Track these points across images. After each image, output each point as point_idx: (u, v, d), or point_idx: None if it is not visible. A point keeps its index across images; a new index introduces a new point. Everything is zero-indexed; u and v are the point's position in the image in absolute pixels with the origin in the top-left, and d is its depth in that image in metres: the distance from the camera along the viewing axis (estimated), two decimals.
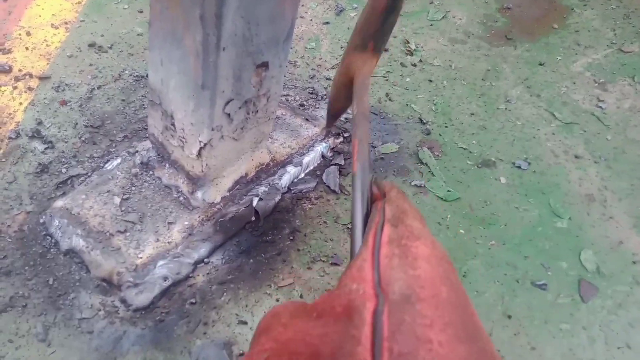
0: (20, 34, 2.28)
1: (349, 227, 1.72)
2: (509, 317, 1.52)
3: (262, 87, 1.56)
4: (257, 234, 1.66)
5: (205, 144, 1.53)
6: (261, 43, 1.44)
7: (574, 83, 2.26)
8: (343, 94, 0.80)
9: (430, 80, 2.21)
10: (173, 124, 1.58)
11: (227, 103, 1.48)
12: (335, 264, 1.59)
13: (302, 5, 2.53)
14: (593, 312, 1.54)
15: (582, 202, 1.82)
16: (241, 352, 1.39)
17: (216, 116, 1.48)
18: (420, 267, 0.43)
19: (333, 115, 0.88)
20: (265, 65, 1.51)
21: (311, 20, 2.49)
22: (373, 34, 0.78)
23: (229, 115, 1.51)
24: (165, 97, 1.54)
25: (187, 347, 1.40)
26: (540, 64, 2.33)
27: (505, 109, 2.13)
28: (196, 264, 1.57)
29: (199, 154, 1.56)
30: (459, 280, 0.46)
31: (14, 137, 1.88)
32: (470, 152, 1.95)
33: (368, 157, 0.63)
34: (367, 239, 0.49)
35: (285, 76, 2.00)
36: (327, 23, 2.47)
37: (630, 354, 1.47)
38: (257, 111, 1.63)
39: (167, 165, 1.71)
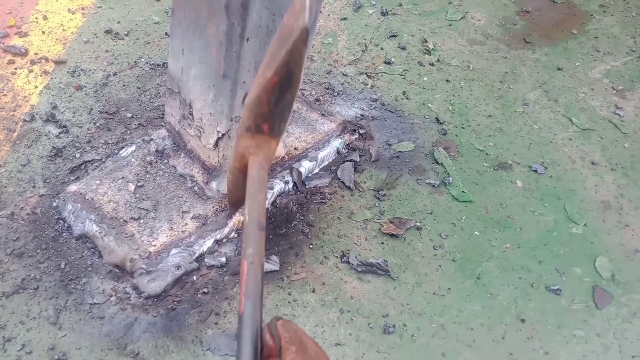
0: (36, 18, 2.27)
1: (363, 224, 1.71)
2: (523, 320, 1.50)
3: None
4: (270, 227, 1.64)
5: (223, 135, 1.52)
6: None
7: (592, 89, 2.25)
8: (241, 181, 0.67)
9: (448, 80, 2.20)
10: (191, 113, 1.56)
11: (247, 94, 1.47)
12: (347, 262, 1.58)
13: (320, 11, 2.51)
14: (607, 320, 1.53)
15: (598, 208, 1.81)
16: None
17: (236, 107, 1.47)
18: None
19: (233, 204, 0.74)
20: None
21: (329, 15, 2.48)
22: (266, 115, 0.65)
23: None
24: (185, 85, 1.53)
25: (199, 336, 1.39)
26: (559, 69, 2.32)
27: (523, 112, 2.11)
28: (208, 254, 1.56)
29: (216, 145, 1.55)
30: None
31: (28, 120, 1.87)
32: (487, 154, 1.93)
33: (261, 290, 0.50)
34: None
35: None
36: (345, 19, 2.45)
37: None
38: None
39: (182, 154, 1.70)
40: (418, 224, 1.69)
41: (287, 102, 0.66)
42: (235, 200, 0.72)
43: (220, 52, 1.36)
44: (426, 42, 2.36)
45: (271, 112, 0.65)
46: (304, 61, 0.63)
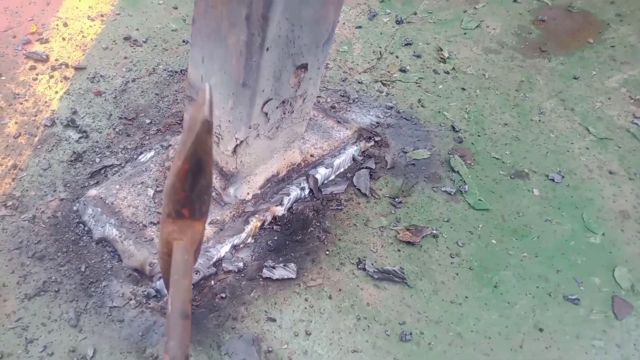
0: (57, 25, 2.32)
1: (379, 231, 1.72)
2: (541, 330, 1.49)
3: (300, 88, 1.56)
4: (287, 232, 1.65)
5: (241, 142, 1.54)
6: (302, 45, 1.44)
7: (609, 98, 2.24)
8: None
9: (463, 89, 2.20)
10: None
11: (266, 102, 1.48)
12: (364, 269, 1.59)
13: (338, 21, 2.53)
14: (627, 330, 1.52)
15: (616, 218, 1.79)
16: (270, 348, 1.39)
17: (254, 115, 1.49)
18: None
19: (169, 285, 0.71)
20: (304, 67, 1.51)
21: (344, 23, 2.50)
22: (184, 200, 0.67)
23: (266, 114, 1.52)
24: None
25: (217, 340, 1.39)
26: (575, 78, 2.31)
27: (539, 120, 2.11)
28: (225, 259, 1.57)
29: (234, 151, 1.57)
30: None
31: (49, 125, 1.90)
32: (503, 162, 1.93)
33: None
34: None
35: None
36: (360, 27, 2.47)
37: None
38: (293, 111, 1.63)
39: None
40: (434, 231, 1.69)
41: (203, 187, 0.69)
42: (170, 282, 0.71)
43: (240, 62, 1.38)
44: (441, 50, 2.37)
45: (188, 197, 0.68)
46: (210, 149, 0.66)
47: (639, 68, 2.40)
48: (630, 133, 2.10)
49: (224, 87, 1.46)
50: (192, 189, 0.68)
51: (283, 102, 1.54)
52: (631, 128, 2.12)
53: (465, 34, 2.49)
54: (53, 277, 1.49)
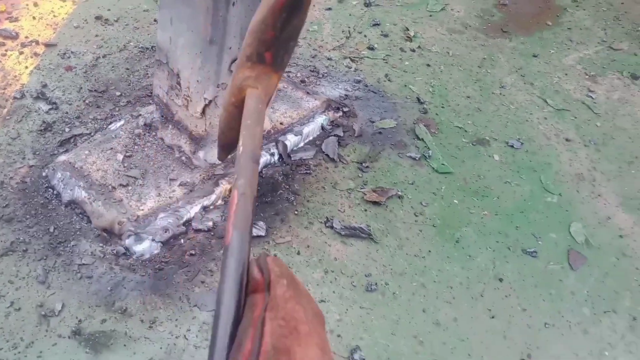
0: (27, 4, 2.32)
1: (347, 193, 1.78)
2: (500, 280, 1.56)
3: None
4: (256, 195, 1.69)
5: (210, 102, 1.57)
6: None
7: (566, 74, 2.34)
8: (236, 120, 0.60)
9: (429, 65, 2.28)
10: (179, 83, 1.61)
11: (234, 61, 1.52)
12: (331, 227, 1.63)
13: None
14: (581, 280, 1.59)
15: (572, 180, 1.88)
16: None
17: (222, 73, 1.52)
18: None
19: (224, 146, 0.66)
20: None
21: (314, 5, 2.56)
22: (270, 41, 0.59)
23: None
24: (173, 55, 1.58)
25: (186, 294, 1.42)
26: (534, 56, 2.41)
27: (500, 94, 2.19)
28: (194, 219, 1.60)
29: (203, 112, 1.60)
30: None
31: (18, 97, 1.91)
32: (466, 131, 2.01)
33: (250, 223, 0.46)
34: None
35: None
36: (329, 9, 2.53)
37: (616, 318, 1.51)
38: None
39: (170, 126, 1.74)
40: (400, 193, 1.75)
41: (295, 29, 0.62)
42: (227, 142, 0.65)
43: (207, 18, 1.42)
44: (408, 30, 2.45)
45: (276, 39, 0.60)
46: None
47: (593, 48, 2.51)
48: (586, 105, 2.20)
49: (192, 47, 1.50)
50: (283, 29, 0.59)
51: None
52: (586, 100, 2.22)
53: (430, 16, 2.58)
54: (21, 238, 1.50)
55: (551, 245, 1.67)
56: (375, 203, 1.70)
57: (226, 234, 0.44)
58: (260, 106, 0.58)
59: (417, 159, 1.87)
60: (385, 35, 2.40)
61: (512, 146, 1.96)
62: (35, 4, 2.33)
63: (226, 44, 1.45)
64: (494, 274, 1.57)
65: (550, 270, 1.60)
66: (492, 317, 1.48)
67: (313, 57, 2.25)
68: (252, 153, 0.52)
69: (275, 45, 0.60)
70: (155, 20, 2.34)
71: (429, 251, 1.60)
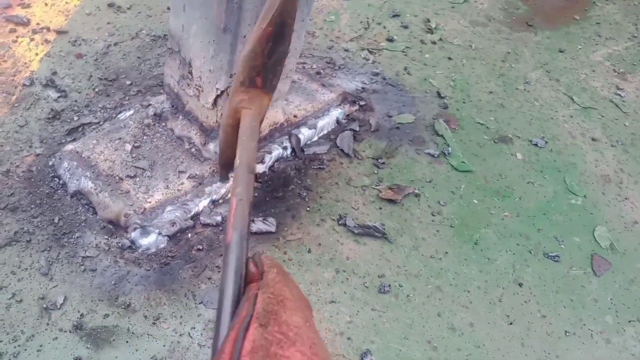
0: None
1: (361, 190, 1.71)
2: (520, 285, 1.48)
3: None
4: (267, 190, 1.63)
5: (222, 92, 1.51)
6: None
7: (594, 71, 2.24)
8: (234, 139, 0.66)
9: (450, 58, 2.19)
10: (190, 72, 1.56)
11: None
12: (344, 225, 1.57)
13: None
14: (605, 286, 1.51)
15: (597, 182, 1.79)
16: None
17: (235, 62, 1.46)
18: None
19: (225, 165, 0.73)
20: None
21: None
22: (260, 67, 0.67)
23: None
24: (185, 43, 1.52)
25: (192, 290, 1.37)
26: (561, 51, 2.31)
27: (524, 89, 2.10)
28: (203, 213, 1.55)
29: (215, 103, 1.54)
30: None
31: (28, 84, 1.87)
32: (488, 127, 1.92)
33: (247, 225, 0.52)
34: (223, 348, 0.38)
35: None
36: None
37: None
38: None
39: (180, 116, 1.69)
40: (416, 191, 1.68)
41: (280, 55, 0.69)
42: (227, 161, 0.72)
43: (221, 5, 1.36)
44: (429, 22, 2.36)
45: (264, 65, 0.67)
46: (295, 12, 0.67)
47: (622, 44, 2.40)
48: (613, 103, 2.10)
49: (205, 35, 1.44)
50: (270, 56, 0.68)
51: None
52: (614, 99, 2.12)
53: (453, 7, 2.49)
54: (25, 228, 1.46)
55: (574, 249, 1.59)
56: (390, 201, 1.63)
57: (226, 235, 0.50)
58: (254, 124, 0.65)
59: (435, 156, 1.79)
60: (405, 27, 2.32)
61: (535, 145, 1.88)
62: None
63: (240, 33, 1.38)
64: (514, 278, 1.50)
65: (572, 276, 1.52)
66: (510, 324, 1.41)
67: (329, 48, 2.18)
68: (248, 165, 0.58)
69: (265, 70, 0.68)
70: (168, 8, 2.28)
71: (446, 253, 1.53)
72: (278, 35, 0.67)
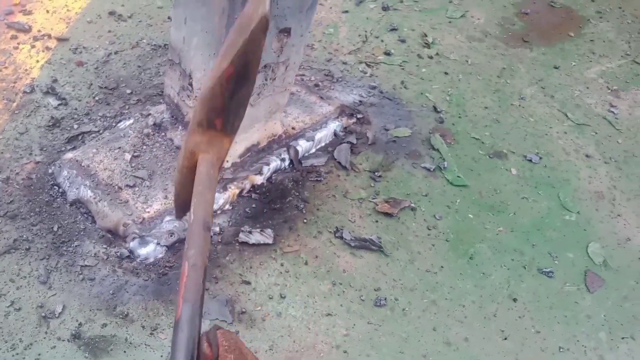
0: None
1: (358, 202, 1.72)
2: (515, 300, 1.50)
3: (282, 54, 1.57)
4: (265, 201, 1.65)
5: None
6: (286, 7, 1.45)
7: (588, 88, 2.28)
8: (190, 182, 0.61)
9: (446, 73, 2.23)
10: (190, 84, 1.57)
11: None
12: (341, 238, 1.58)
13: None
14: (598, 303, 1.53)
15: (591, 198, 1.82)
16: (243, 310, 1.37)
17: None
18: None
19: (180, 207, 0.68)
20: (287, 31, 1.52)
21: (330, 8, 2.51)
22: (220, 109, 0.60)
23: None
24: (186, 55, 1.54)
25: None
26: (555, 67, 2.35)
27: (519, 105, 2.13)
28: None
29: None
30: None
31: (28, 91, 1.88)
32: (483, 142, 1.95)
33: (202, 296, 0.47)
34: None
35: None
36: (346, 12, 2.49)
37: (634, 345, 1.45)
38: (275, 79, 1.63)
39: (180, 127, 1.70)
40: (413, 204, 1.70)
41: (243, 97, 0.63)
42: (183, 203, 0.66)
43: (222, 20, 1.38)
44: (426, 36, 2.39)
45: (225, 107, 0.61)
46: (260, 52, 0.61)
47: (616, 61, 2.45)
48: (607, 120, 2.13)
49: (205, 48, 1.46)
50: (232, 97, 0.61)
51: (265, 66, 1.54)
52: (608, 116, 2.15)
53: (450, 22, 2.52)
54: (24, 236, 1.47)
55: (568, 265, 1.61)
56: (386, 214, 1.65)
57: (177, 308, 0.45)
58: (212, 171, 0.60)
59: (431, 170, 1.81)
60: (403, 41, 2.35)
61: (530, 160, 1.90)
62: None
63: None
64: (508, 294, 1.52)
65: (566, 292, 1.55)
66: (505, 339, 1.43)
67: (328, 61, 2.20)
68: (204, 221, 0.53)
69: (225, 112, 0.61)
70: (169, 18, 2.30)
71: (442, 267, 1.55)
72: (240, 76, 0.60)
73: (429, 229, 1.64)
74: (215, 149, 0.62)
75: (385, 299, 1.44)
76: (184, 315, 0.45)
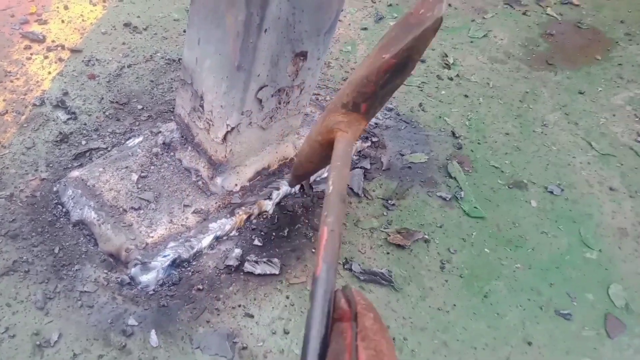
0: (57, 7, 2.28)
1: (369, 232, 1.66)
2: (529, 343, 1.42)
3: (298, 77, 1.51)
4: (273, 227, 1.59)
5: (232, 128, 1.48)
6: (303, 31, 1.39)
7: (614, 115, 2.19)
8: (317, 156, 0.62)
9: (466, 96, 2.15)
10: (202, 105, 1.53)
11: (261, 88, 1.43)
12: (350, 270, 1.52)
13: (342, 10, 2.49)
14: (619, 349, 1.45)
15: (614, 235, 1.73)
16: (245, 345, 1.32)
17: (247, 100, 1.43)
18: None
19: (298, 176, 0.70)
20: (303, 55, 1.46)
21: (349, 24, 2.46)
22: (369, 95, 0.63)
23: (260, 101, 1.47)
24: (198, 77, 1.50)
25: (189, 333, 1.33)
26: (580, 93, 2.26)
27: (542, 132, 2.05)
28: (207, 249, 1.51)
29: (225, 139, 1.51)
30: None
31: (38, 104, 1.85)
32: (502, 171, 1.87)
33: (337, 257, 0.50)
34: None
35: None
36: (365, 29, 2.43)
37: None
38: (289, 102, 1.58)
39: (189, 147, 1.66)
40: (426, 236, 1.63)
41: (394, 87, 0.67)
42: (302, 173, 0.72)
43: (236, 43, 1.33)
44: (446, 56, 2.33)
45: (375, 94, 0.65)
46: (425, 49, 0.64)
47: None
48: (634, 151, 2.04)
49: (218, 70, 1.41)
50: (383, 86, 0.65)
51: (279, 90, 1.49)
52: (634, 146, 2.06)
53: (471, 42, 2.45)
54: (24, 257, 1.43)
55: (587, 307, 1.53)
56: (399, 246, 1.59)
57: (316, 267, 0.49)
58: (349, 149, 0.65)
59: (447, 199, 1.74)
60: (422, 61, 2.29)
61: (551, 192, 1.82)
62: (66, 7, 2.29)
63: (254, 72, 1.35)
64: (523, 336, 1.44)
65: (584, 336, 1.46)
66: None
67: (344, 80, 2.14)
68: (341, 193, 0.57)
69: (373, 98, 0.66)
70: (184, 31, 2.27)
71: (454, 305, 1.48)
72: (399, 69, 0.63)
73: (443, 264, 1.57)
74: (353, 129, 0.67)
75: (394, 339, 1.38)
76: (323, 274, 0.48)
